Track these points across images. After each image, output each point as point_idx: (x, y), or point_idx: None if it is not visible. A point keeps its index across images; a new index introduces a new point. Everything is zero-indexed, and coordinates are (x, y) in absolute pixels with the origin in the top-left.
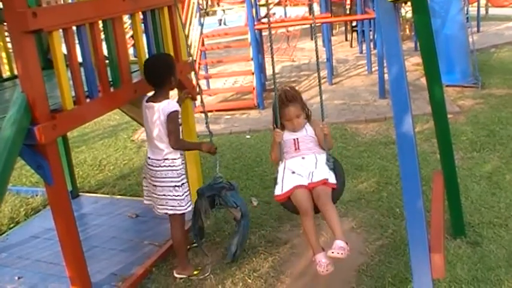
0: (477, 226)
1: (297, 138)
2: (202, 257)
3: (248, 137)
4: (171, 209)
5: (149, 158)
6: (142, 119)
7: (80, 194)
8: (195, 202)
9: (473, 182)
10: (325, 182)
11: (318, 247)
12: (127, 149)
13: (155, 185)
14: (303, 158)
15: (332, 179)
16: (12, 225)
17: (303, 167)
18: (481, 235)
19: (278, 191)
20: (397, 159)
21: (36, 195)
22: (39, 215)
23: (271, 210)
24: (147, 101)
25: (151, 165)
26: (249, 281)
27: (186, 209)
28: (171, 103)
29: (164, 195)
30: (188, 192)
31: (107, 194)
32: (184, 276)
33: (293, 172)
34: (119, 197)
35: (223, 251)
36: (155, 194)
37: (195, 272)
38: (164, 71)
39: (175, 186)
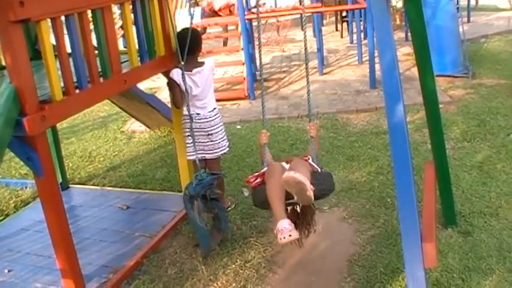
0: (468, 216)
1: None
2: (194, 248)
3: (239, 127)
4: (225, 147)
5: (198, 114)
6: (132, 109)
7: (70, 185)
8: (186, 207)
9: (464, 172)
10: (303, 158)
11: (282, 212)
12: (117, 140)
13: (211, 134)
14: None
15: (314, 164)
16: (1, 218)
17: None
18: (472, 224)
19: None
20: (388, 149)
21: (26, 187)
22: (28, 207)
23: None
24: (187, 71)
25: (205, 119)
26: (241, 271)
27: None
28: (212, 60)
29: (219, 138)
30: None
31: (97, 185)
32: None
33: None
34: (110, 188)
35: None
36: (212, 141)
37: (228, 208)
38: (198, 41)
39: (222, 128)
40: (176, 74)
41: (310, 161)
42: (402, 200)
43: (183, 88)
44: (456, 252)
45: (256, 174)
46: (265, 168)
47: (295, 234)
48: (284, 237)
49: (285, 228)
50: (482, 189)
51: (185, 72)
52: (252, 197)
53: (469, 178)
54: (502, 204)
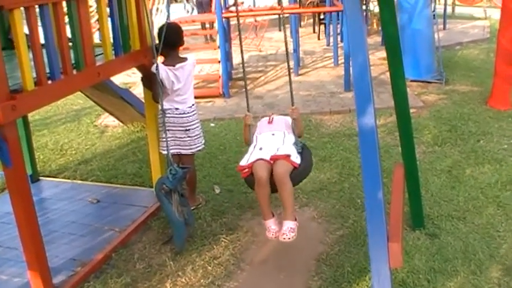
0: (436, 218)
1: (273, 117)
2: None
3: (212, 125)
4: (201, 144)
5: (177, 109)
6: (105, 103)
7: (41, 178)
8: (163, 202)
9: (433, 176)
10: (286, 157)
11: (268, 213)
12: (90, 133)
13: (188, 129)
14: (272, 134)
15: (295, 158)
16: None
17: (271, 143)
18: (440, 227)
19: (243, 162)
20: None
21: None
22: None
23: (233, 198)
24: (168, 65)
25: (184, 114)
26: (209, 268)
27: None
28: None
29: (196, 134)
30: None
31: (68, 178)
32: (194, 207)
33: (260, 148)
34: (80, 182)
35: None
36: (189, 137)
37: (199, 205)
38: (180, 35)
39: (199, 125)
40: (159, 68)
41: (291, 157)
42: (370, 201)
43: (164, 82)
44: (423, 253)
45: (245, 165)
46: (250, 159)
47: (279, 236)
48: (272, 235)
49: (272, 229)
50: (451, 193)
51: (168, 67)
52: (246, 183)
53: (438, 182)
54: (470, 208)
